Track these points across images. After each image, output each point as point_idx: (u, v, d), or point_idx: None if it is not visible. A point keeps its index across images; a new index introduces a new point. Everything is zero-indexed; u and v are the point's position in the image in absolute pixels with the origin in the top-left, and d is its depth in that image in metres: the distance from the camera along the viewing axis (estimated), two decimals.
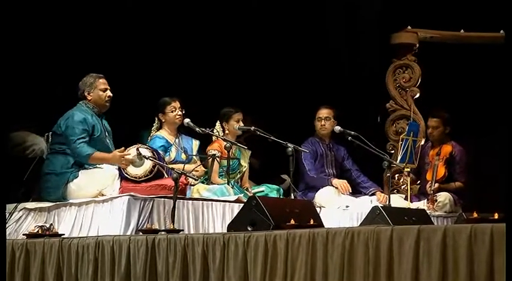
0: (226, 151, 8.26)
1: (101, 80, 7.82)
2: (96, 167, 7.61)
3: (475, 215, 5.62)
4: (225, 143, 8.31)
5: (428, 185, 8.95)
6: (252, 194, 7.74)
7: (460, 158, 9.19)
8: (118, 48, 9.15)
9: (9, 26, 7.36)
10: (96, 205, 7.39)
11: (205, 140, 8.58)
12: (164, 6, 9.53)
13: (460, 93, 9.72)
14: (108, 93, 7.82)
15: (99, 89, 7.82)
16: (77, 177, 7.56)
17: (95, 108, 7.80)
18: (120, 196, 7.30)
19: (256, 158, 8.79)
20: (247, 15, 9.91)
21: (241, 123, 8.49)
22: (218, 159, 8.29)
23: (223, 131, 8.51)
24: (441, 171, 9.05)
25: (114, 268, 6.30)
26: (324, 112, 8.99)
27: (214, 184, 8.21)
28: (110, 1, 9.21)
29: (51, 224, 7.20)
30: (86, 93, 7.80)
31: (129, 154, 7.53)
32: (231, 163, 8.33)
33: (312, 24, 9.97)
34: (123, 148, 7.61)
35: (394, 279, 5.30)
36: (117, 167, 7.55)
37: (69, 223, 7.41)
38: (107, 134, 7.86)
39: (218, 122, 8.55)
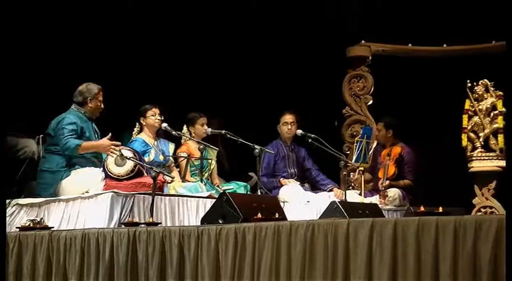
0: (199, 152, 8.33)
1: (101, 92, 7.85)
2: (86, 168, 7.63)
3: (422, 209, 5.66)
4: (195, 145, 8.42)
5: (380, 182, 9.00)
6: (222, 191, 7.76)
7: (408, 159, 9.25)
8: (104, 58, 9.13)
9: None
10: (83, 200, 7.38)
11: (178, 144, 8.61)
12: (140, 17, 9.52)
13: (408, 101, 9.77)
14: (103, 105, 7.88)
15: (99, 99, 7.85)
16: (68, 176, 7.57)
17: (86, 113, 7.81)
18: (104, 193, 7.32)
19: (226, 158, 8.82)
20: (214, 26, 9.93)
21: (206, 127, 8.53)
22: (192, 160, 8.36)
23: (190, 134, 8.55)
24: (391, 170, 9.10)
25: (99, 258, 6.27)
26: (289, 117, 9.01)
27: (188, 181, 8.26)
28: (90, 12, 9.18)
29: (42, 218, 7.18)
30: (87, 101, 7.82)
31: (119, 143, 7.57)
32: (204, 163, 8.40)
33: (276, 37, 10.00)
34: (110, 134, 7.63)
35: (350, 267, 5.32)
36: (102, 168, 7.56)
37: (58, 217, 7.39)
38: (96, 136, 7.86)
39: (185, 126, 8.59)
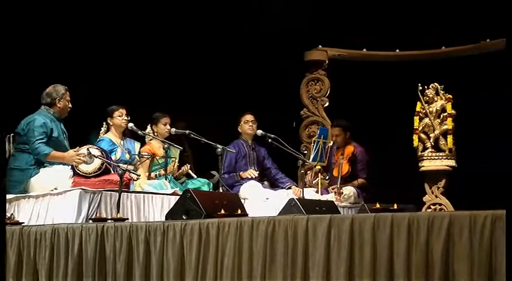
0: (163, 151, 8.34)
1: (68, 93, 7.83)
2: (54, 166, 7.60)
3: (378, 206, 5.70)
4: (159, 145, 8.43)
5: (335, 181, 9.04)
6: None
7: (361, 157, 9.30)
8: (71, 60, 9.08)
9: None
10: (52, 197, 7.36)
11: (144, 143, 8.59)
12: (106, 20, 9.48)
13: (362, 103, 9.83)
14: (70, 104, 7.86)
15: (66, 99, 7.83)
16: (37, 173, 7.54)
17: (55, 114, 7.78)
18: (73, 190, 7.30)
19: (189, 157, 8.83)
20: (180, 29, 9.91)
21: (168, 126, 8.53)
22: (156, 158, 8.36)
23: (153, 133, 8.54)
24: (345, 168, 9.15)
25: (68, 252, 6.26)
26: (250, 117, 9.04)
27: (153, 179, 8.26)
28: (55, 13, 9.10)
29: (12, 214, 7.15)
30: (56, 101, 7.79)
31: (83, 154, 7.54)
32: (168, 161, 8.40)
33: (238, 43, 10.02)
34: (78, 148, 7.62)
35: (309, 260, 5.36)
36: (70, 166, 7.54)
37: (28, 213, 7.36)
38: (64, 136, 7.84)
39: (149, 125, 8.57)
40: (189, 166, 8.45)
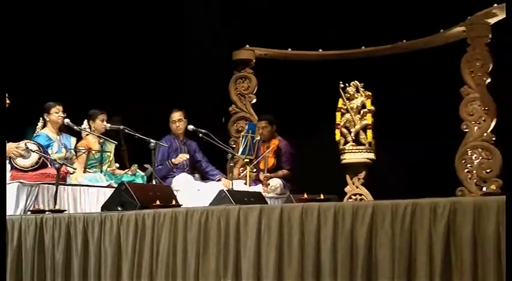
0: (99, 145, 8.30)
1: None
2: None
3: (305, 196, 5.73)
4: (95, 140, 8.37)
5: (261, 173, 9.08)
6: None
7: (285, 150, 9.33)
8: (7, 55, 8.91)
9: None
10: None
11: (80, 138, 8.50)
12: (39, 15, 9.34)
13: (288, 99, 9.89)
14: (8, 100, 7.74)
15: None
16: None
17: None
18: (11, 183, 7.23)
19: (126, 151, 8.77)
20: (112, 29, 9.84)
21: (105, 122, 8.45)
22: (92, 153, 8.29)
23: (90, 128, 8.45)
24: (271, 161, 9.19)
25: (7, 242, 6.16)
26: (176, 115, 8.99)
27: (88, 172, 8.19)
28: None
29: None
30: None
31: (21, 148, 7.44)
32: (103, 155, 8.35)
33: (173, 42, 10.00)
34: (18, 143, 7.52)
35: (240, 249, 5.37)
36: (8, 160, 7.43)
37: None
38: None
39: (86, 121, 8.49)
40: (136, 166, 8.36)
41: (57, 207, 6.80)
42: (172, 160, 8.86)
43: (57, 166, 7.11)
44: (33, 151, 7.48)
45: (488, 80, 8.46)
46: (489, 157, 8.32)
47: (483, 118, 8.43)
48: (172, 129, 9.02)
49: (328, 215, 5.04)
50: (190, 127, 8.47)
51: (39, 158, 7.50)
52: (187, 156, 8.89)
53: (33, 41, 9.46)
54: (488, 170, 8.30)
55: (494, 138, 8.38)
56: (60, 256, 5.99)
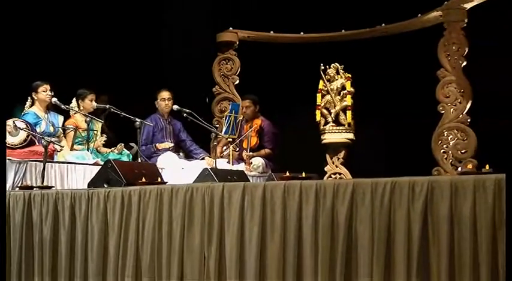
0: (86, 124, 8.23)
1: None
2: None
3: (288, 174, 5.72)
4: (82, 118, 8.29)
5: (244, 152, 9.07)
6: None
7: (267, 130, 9.32)
8: None
9: None
10: None
11: (67, 116, 8.45)
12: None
13: (270, 81, 9.88)
14: None
15: None
16: None
17: None
18: None
19: (110, 130, 8.72)
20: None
21: (94, 102, 8.40)
22: (79, 131, 8.24)
23: (79, 107, 8.40)
24: (253, 140, 9.18)
25: None
26: (166, 94, 8.99)
27: (76, 150, 8.15)
28: None
29: None
30: None
31: (9, 126, 7.39)
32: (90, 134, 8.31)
33: (156, 27, 9.96)
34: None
35: (224, 225, 5.37)
36: None
37: None
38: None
39: (74, 99, 8.43)
40: (122, 144, 8.32)
41: (44, 184, 6.75)
42: (157, 144, 8.82)
43: (44, 143, 7.06)
44: (22, 129, 7.45)
45: (464, 64, 8.51)
46: (464, 138, 8.39)
47: (459, 100, 8.48)
48: (160, 107, 8.99)
49: (309, 193, 5.04)
50: (175, 107, 8.45)
51: (27, 136, 7.48)
52: (172, 145, 8.86)
53: (22, 26, 9.35)
54: (463, 151, 8.37)
55: (469, 120, 8.43)
56: (47, 232, 5.95)
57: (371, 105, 8.63)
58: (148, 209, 5.65)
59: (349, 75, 7.45)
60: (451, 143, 8.41)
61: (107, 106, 8.19)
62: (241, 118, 8.95)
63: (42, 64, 9.16)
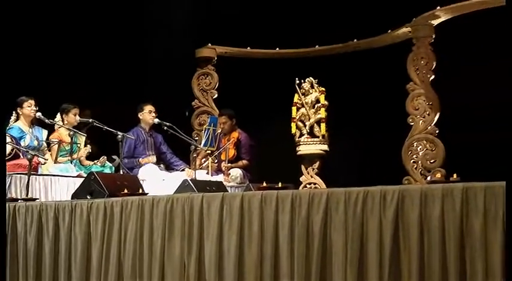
0: (69, 137, 8.20)
1: None
2: None
3: (265, 184, 5.71)
4: (66, 132, 8.26)
5: (222, 163, 9.06)
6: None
7: (244, 142, 9.33)
8: None
9: None
10: None
11: (51, 130, 8.40)
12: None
13: (247, 94, 9.87)
14: None
15: None
16: None
17: None
18: None
19: (93, 143, 8.69)
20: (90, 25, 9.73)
21: (78, 116, 8.37)
22: (63, 144, 8.21)
23: (63, 121, 8.36)
24: (231, 152, 9.18)
25: None
26: (151, 107, 8.97)
27: (59, 163, 8.11)
28: None
29: None
30: None
31: None
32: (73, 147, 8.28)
33: (136, 43, 9.95)
34: None
35: (204, 235, 5.35)
36: None
37: None
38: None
39: (59, 114, 8.40)
40: (105, 157, 8.28)
41: (29, 196, 6.71)
42: (140, 159, 8.79)
43: (29, 156, 7.05)
44: (7, 143, 7.41)
45: (432, 77, 8.57)
46: (433, 148, 8.44)
47: (427, 112, 8.54)
48: (145, 119, 8.94)
49: (285, 202, 5.04)
50: (156, 120, 8.46)
51: (12, 150, 7.45)
52: (154, 160, 8.83)
53: (6, 42, 9.28)
54: (432, 161, 8.42)
55: (437, 131, 8.49)
56: (32, 242, 5.93)
57: (344, 118, 8.66)
58: (130, 220, 5.63)
59: (323, 89, 7.46)
60: (420, 153, 8.46)
61: (90, 120, 8.18)
62: (219, 131, 8.95)
63: (26, 80, 9.10)
